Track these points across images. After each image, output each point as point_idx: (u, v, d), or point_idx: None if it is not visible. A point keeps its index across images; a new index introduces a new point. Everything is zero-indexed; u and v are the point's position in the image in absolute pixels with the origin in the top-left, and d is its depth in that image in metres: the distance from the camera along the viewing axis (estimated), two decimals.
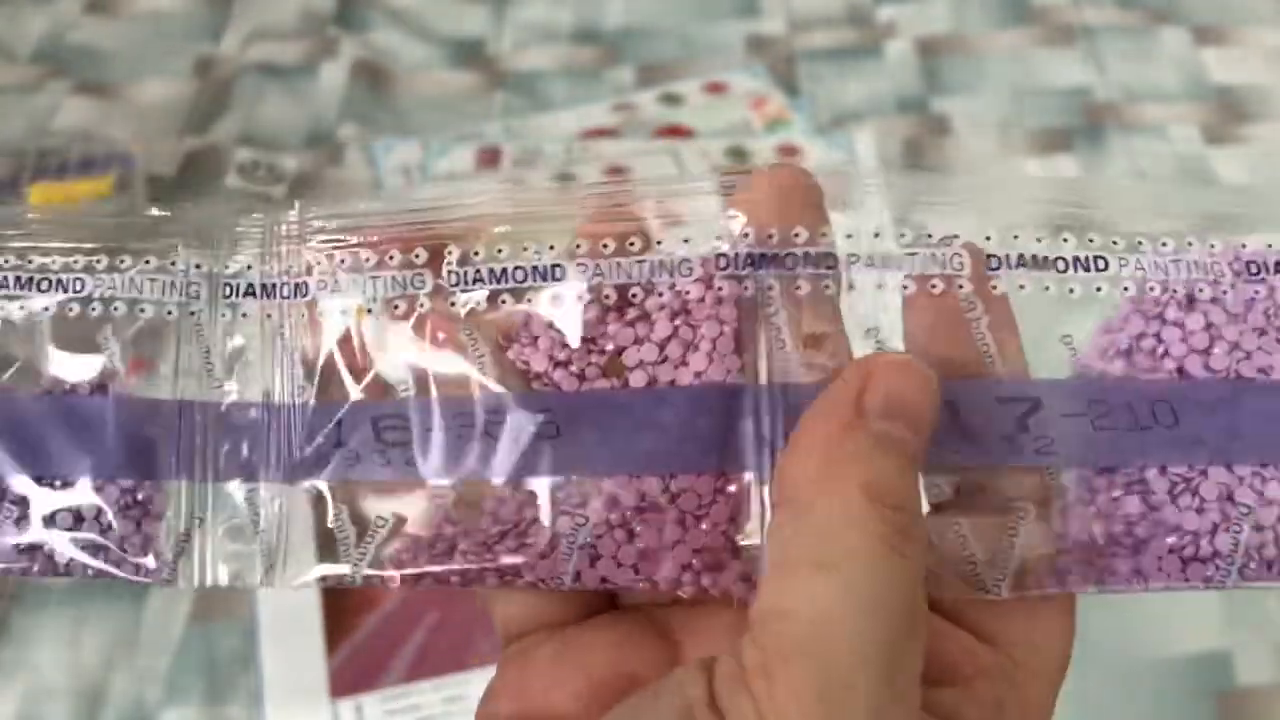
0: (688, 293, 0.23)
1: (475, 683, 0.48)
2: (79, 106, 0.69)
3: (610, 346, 0.23)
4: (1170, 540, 0.23)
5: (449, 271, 0.23)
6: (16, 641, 0.49)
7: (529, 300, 0.23)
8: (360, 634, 0.49)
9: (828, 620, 0.19)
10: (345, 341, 0.23)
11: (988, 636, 0.23)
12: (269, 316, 0.23)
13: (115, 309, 0.23)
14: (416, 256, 0.23)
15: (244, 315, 0.24)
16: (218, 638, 0.49)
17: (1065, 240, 0.23)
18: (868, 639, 0.19)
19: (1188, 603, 0.47)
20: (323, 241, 0.24)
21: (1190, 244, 0.23)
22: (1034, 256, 0.23)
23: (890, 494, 0.20)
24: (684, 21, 0.73)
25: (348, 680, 0.48)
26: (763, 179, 0.23)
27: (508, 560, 0.23)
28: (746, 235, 0.23)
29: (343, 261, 0.23)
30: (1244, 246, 0.23)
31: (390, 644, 0.49)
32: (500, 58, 0.72)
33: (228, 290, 0.24)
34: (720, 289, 0.23)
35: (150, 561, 0.23)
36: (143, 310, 0.23)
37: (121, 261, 0.23)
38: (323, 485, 0.23)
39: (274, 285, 0.23)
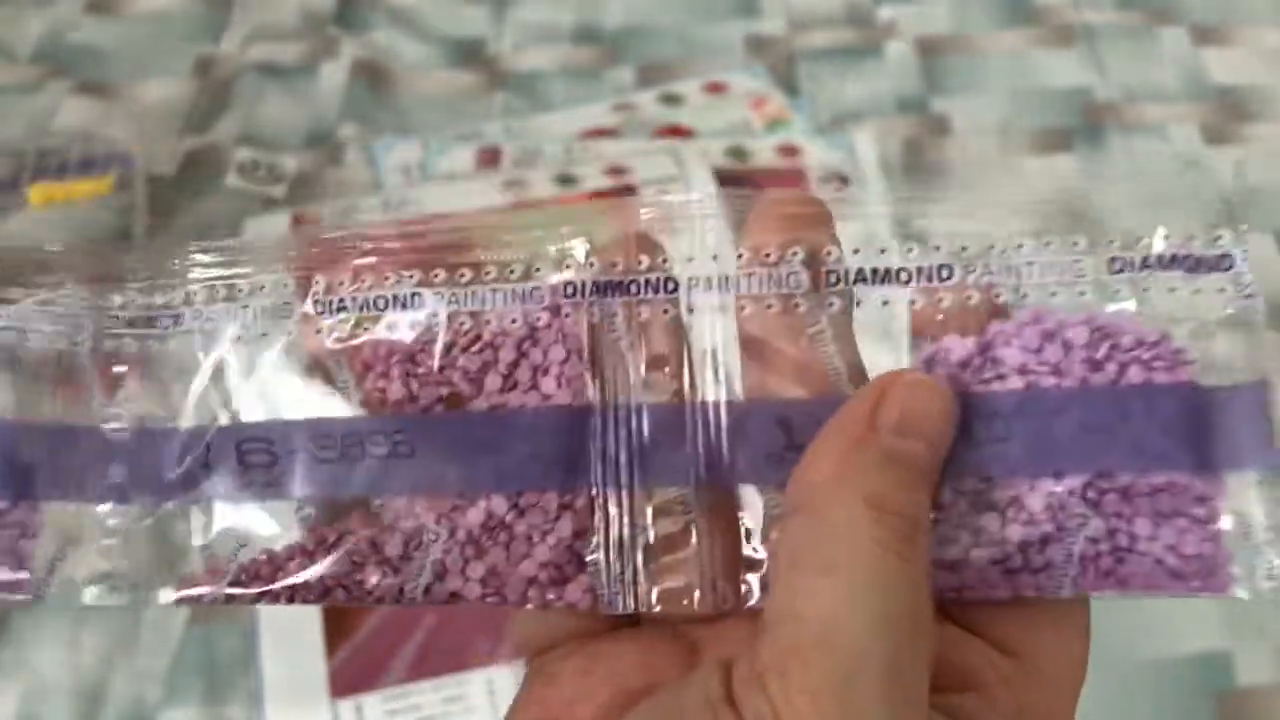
0: (537, 319, 0.24)
1: (475, 683, 0.48)
2: (79, 106, 0.69)
3: (465, 370, 0.24)
4: (989, 552, 0.23)
5: (315, 300, 0.24)
6: (16, 641, 0.49)
7: (389, 327, 0.24)
8: (360, 634, 0.49)
9: (834, 619, 0.20)
10: (217, 369, 0.25)
11: (1009, 648, 0.23)
12: (148, 346, 0.25)
13: (3, 339, 0.25)
14: (285, 286, 0.24)
15: (125, 346, 0.25)
16: (218, 638, 0.49)
17: (910, 251, 0.24)
18: (873, 637, 0.20)
19: (1187, 603, 0.47)
20: (200, 273, 0.25)
21: (1049, 244, 0.23)
22: (875, 270, 0.24)
23: (894, 505, 0.21)
24: (684, 21, 0.73)
25: (348, 680, 0.48)
26: (766, 206, 0.24)
27: (361, 576, 0.24)
28: (592, 264, 0.24)
29: (217, 292, 0.25)
30: (1112, 242, 0.23)
31: (390, 644, 0.49)
32: (500, 58, 0.72)
33: (111, 322, 0.25)
34: (567, 315, 0.24)
35: (21, 579, 0.24)
36: (29, 340, 0.25)
37: (12, 295, 0.25)
38: (190, 507, 0.24)
39: (154, 317, 0.25)
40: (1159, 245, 0.23)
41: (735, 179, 0.62)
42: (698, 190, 0.25)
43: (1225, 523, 0.23)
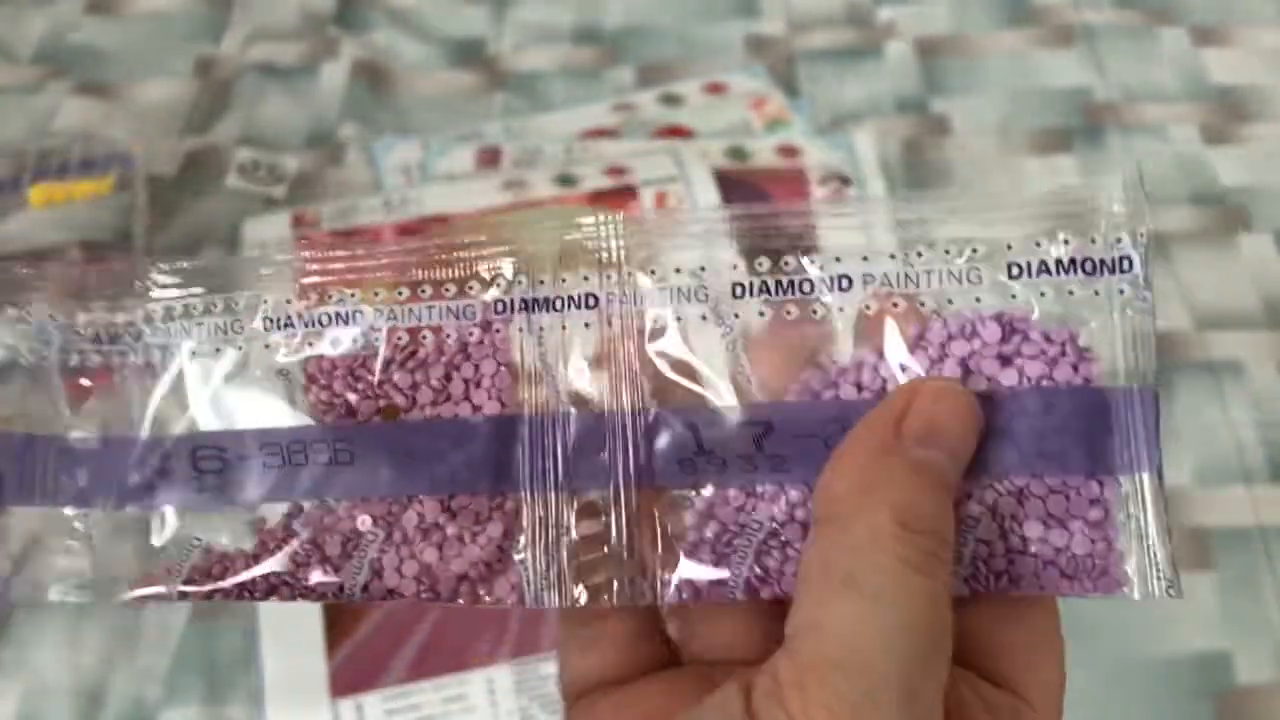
0: (470, 334, 0.26)
1: (475, 682, 0.48)
2: (80, 107, 0.69)
3: (402, 382, 0.26)
4: None
5: (264, 318, 0.26)
6: (16, 641, 0.49)
7: (332, 343, 0.26)
8: (360, 634, 0.49)
9: (855, 634, 0.20)
10: (175, 382, 0.27)
11: (999, 679, 0.24)
12: (111, 361, 0.27)
13: None
14: (236, 304, 0.26)
15: (90, 361, 0.27)
16: (218, 638, 0.49)
17: (813, 262, 0.25)
18: (893, 653, 0.20)
19: (1187, 603, 0.47)
20: (160, 293, 0.27)
21: (947, 252, 0.24)
22: (779, 282, 0.25)
23: (919, 519, 0.21)
24: (684, 21, 0.73)
25: (348, 680, 0.48)
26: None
27: (304, 575, 0.26)
28: (520, 282, 0.26)
29: (174, 310, 0.27)
30: (1010, 248, 0.24)
31: (390, 644, 0.49)
32: (500, 58, 0.72)
33: (77, 338, 0.27)
34: (498, 331, 0.26)
35: None
36: None
37: None
38: (148, 511, 0.26)
39: (117, 334, 0.27)
40: (1058, 250, 0.24)
41: (735, 179, 0.62)
42: (613, 215, 0.26)
43: (1118, 524, 0.23)
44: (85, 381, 0.27)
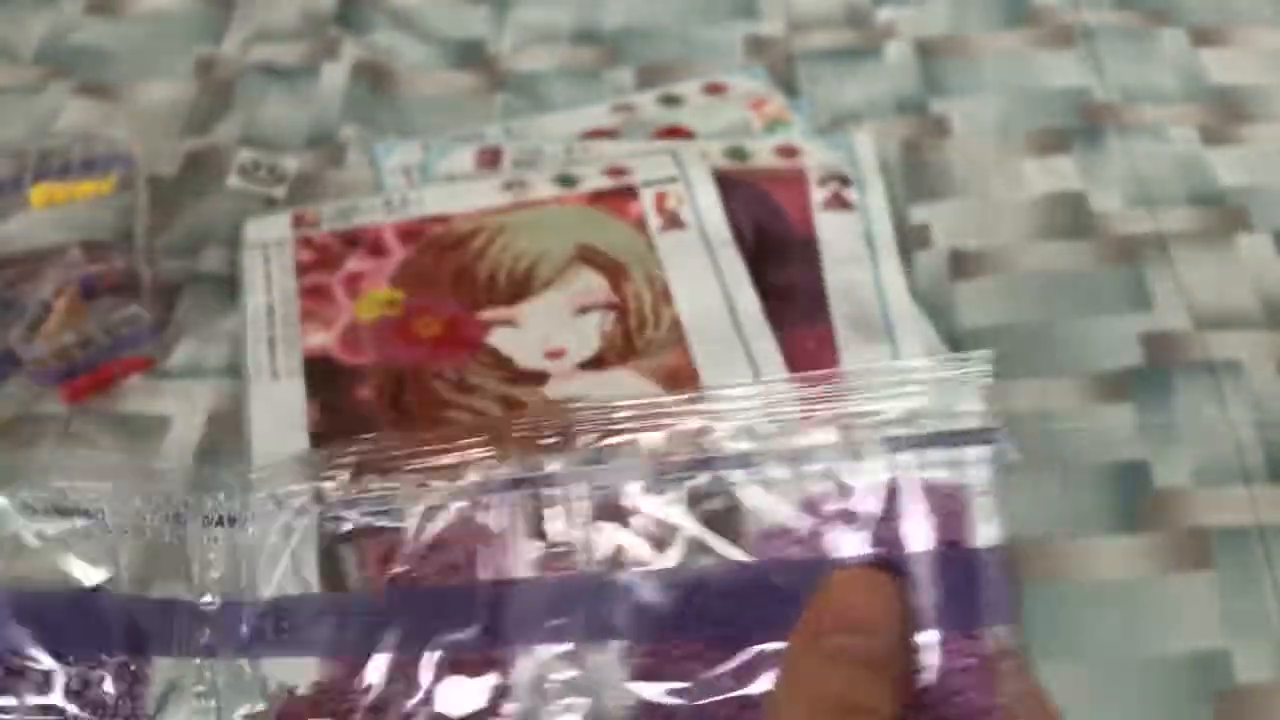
0: (473, 514, 0.33)
1: None
2: (81, 107, 0.69)
3: (426, 558, 0.33)
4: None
5: (328, 502, 0.34)
6: None
7: (376, 519, 0.33)
8: None
9: None
10: (266, 555, 0.34)
11: None
12: (231, 539, 0.34)
13: (125, 532, 0.34)
14: (304, 494, 0.34)
15: (215, 540, 0.34)
16: None
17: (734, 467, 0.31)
18: None
19: (1186, 602, 0.48)
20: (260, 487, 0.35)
21: (843, 429, 0.29)
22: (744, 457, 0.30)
23: (825, 699, 0.24)
24: (684, 22, 0.73)
25: None
26: None
27: (355, 716, 0.32)
28: (505, 469, 0.33)
29: (267, 503, 0.34)
30: (888, 423, 0.29)
31: None
32: (500, 58, 0.72)
33: (206, 521, 0.35)
34: (489, 508, 0.33)
35: (136, 715, 0.33)
36: (145, 534, 0.34)
37: (134, 500, 0.34)
38: (256, 660, 0.33)
39: (234, 518, 0.35)
40: (931, 424, 0.29)
41: (735, 179, 0.62)
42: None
43: (990, 668, 0.27)
44: (212, 556, 0.34)
